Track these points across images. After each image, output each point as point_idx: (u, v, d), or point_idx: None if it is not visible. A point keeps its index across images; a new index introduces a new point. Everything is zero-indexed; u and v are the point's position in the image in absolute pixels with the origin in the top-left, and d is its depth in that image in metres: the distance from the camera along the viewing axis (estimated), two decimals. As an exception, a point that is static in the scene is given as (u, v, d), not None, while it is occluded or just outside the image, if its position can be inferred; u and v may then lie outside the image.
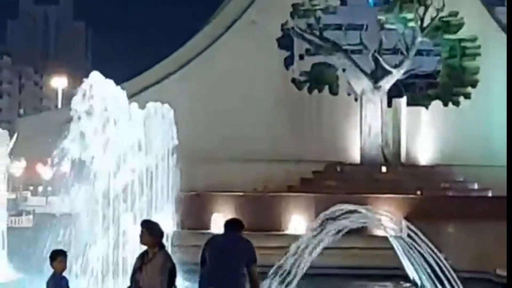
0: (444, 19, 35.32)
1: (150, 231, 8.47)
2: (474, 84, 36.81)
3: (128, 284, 8.52)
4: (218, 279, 8.89)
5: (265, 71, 35.70)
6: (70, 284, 8.82)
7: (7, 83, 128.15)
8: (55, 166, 16.64)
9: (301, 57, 39.66)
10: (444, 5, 34.29)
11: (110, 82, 16.07)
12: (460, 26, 36.17)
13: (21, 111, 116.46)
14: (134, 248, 11.80)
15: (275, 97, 35.57)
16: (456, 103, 37.28)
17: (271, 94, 35.66)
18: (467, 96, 36.89)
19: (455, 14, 35.66)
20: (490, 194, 34.76)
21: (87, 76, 16.05)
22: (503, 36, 36.34)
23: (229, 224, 9.40)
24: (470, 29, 36.61)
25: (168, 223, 16.21)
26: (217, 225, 24.13)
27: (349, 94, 37.23)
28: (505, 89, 35.37)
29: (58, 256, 8.69)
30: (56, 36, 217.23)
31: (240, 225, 9.28)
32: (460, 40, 37.18)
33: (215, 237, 9.60)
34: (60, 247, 10.44)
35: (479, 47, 36.92)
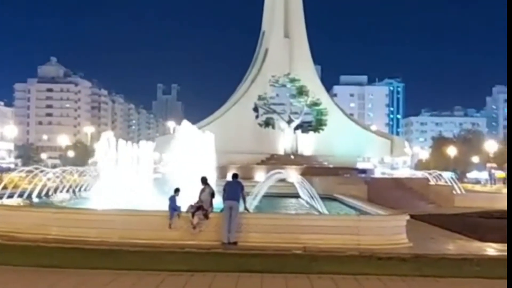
0: (314, 100, 58.71)
1: (203, 179, 16.39)
2: (324, 125, 59.28)
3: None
4: (230, 196, 15.89)
5: (249, 119, 58.41)
6: None
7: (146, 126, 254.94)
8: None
9: (261, 114, 59.01)
10: (314, 96, 57.95)
11: (192, 125, 27.94)
12: (320, 104, 59.27)
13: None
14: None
15: (252, 130, 58.18)
16: (319, 132, 59.55)
17: (251, 128, 58.15)
18: (322, 129, 59.15)
19: (317, 99, 59.04)
20: (330, 166, 53.00)
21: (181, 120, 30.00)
22: (335, 106, 62.76)
23: (233, 175, 16.63)
24: (323, 104, 59.89)
25: (213, 176, 23.24)
26: (229, 176, 22.71)
27: (279, 128, 58.72)
28: (336, 127, 57.84)
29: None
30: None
31: (237, 175, 16.43)
32: (320, 108, 59.20)
33: (228, 181, 16.52)
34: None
35: (326, 111, 59.47)
